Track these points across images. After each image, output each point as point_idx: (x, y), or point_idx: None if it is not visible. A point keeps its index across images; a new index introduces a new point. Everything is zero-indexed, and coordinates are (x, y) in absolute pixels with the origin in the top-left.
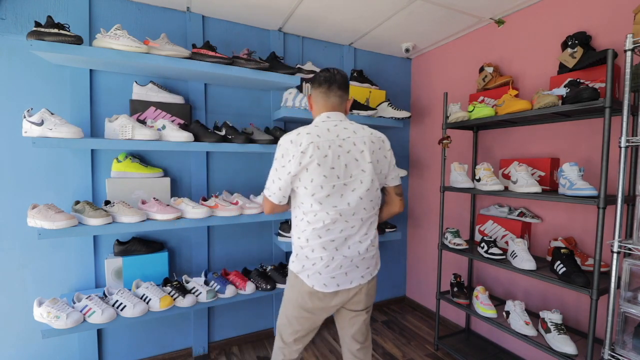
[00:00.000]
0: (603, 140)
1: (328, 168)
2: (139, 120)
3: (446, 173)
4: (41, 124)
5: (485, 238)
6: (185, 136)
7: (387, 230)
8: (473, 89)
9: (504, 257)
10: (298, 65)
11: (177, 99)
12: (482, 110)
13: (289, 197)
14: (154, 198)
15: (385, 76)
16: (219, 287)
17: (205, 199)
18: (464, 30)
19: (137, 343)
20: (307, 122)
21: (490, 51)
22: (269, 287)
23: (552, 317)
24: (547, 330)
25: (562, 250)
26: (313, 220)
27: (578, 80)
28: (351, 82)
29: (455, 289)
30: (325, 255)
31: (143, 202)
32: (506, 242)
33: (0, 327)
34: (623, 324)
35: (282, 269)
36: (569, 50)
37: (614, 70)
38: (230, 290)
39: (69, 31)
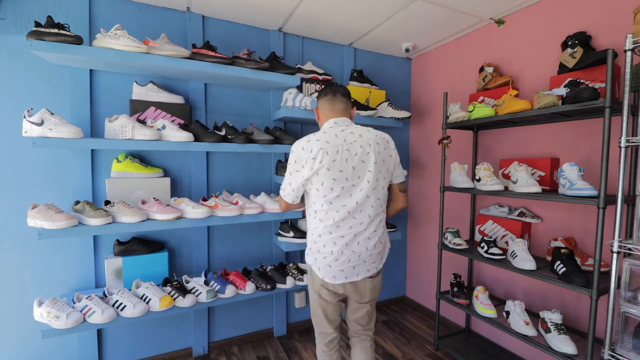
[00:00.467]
0: (603, 140)
1: (337, 171)
2: (139, 120)
3: (446, 173)
4: (41, 124)
5: (485, 238)
6: (185, 136)
7: (387, 230)
8: (473, 89)
9: (504, 257)
10: (298, 65)
11: (177, 99)
12: (482, 110)
13: (302, 197)
14: (154, 198)
15: (385, 76)
16: (219, 287)
17: (205, 199)
18: (464, 30)
19: (137, 343)
20: (307, 122)
21: (490, 51)
22: (269, 287)
23: (552, 317)
24: (547, 330)
25: (562, 250)
26: (324, 218)
27: (578, 80)
28: (351, 82)
29: (455, 289)
30: (336, 249)
31: (143, 202)
32: (506, 242)
33: (0, 327)
34: (623, 324)
35: (282, 269)
36: (569, 50)
37: (614, 70)
38: (230, 290)
39: (69, 31)
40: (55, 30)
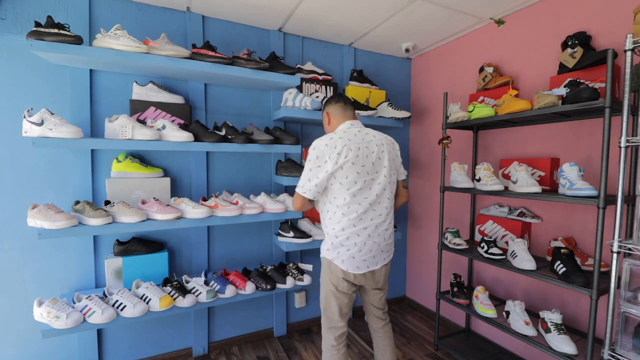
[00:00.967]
0: (603, 140)
1: (360, 166)
2: (139, 120)
3: (446, 173)
4: (41, 124)
5: (485, 238)
6: (185, 136)
7: None
8: (473, 89)
9: (504, 257)
10: (298, 65)
11: (177, 99)
12: (482, 110)
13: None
14: (154, 198)
15: (385, 76)
16: (219, 287)
17: (205, 199)
18: (463, 30)
19: (137, 343)
20: (307, 122)
21: (490, 51)
22: (269, 287)
23: (552, 317)
24: (547, 330)
25: (562, 250)
26: (347, 211)
27: (578, 80)
28: (351, 82)
29: (455, 289)
30: (359, 241)
31: (143, 202)
32: (506, 242)
33: (0, 327)
34: (623, 324)
35: (282, 269)
36: (569, 50)
37: (614, 70)
38: (230, 290)
39: (69, 31)
40: (55, 30)
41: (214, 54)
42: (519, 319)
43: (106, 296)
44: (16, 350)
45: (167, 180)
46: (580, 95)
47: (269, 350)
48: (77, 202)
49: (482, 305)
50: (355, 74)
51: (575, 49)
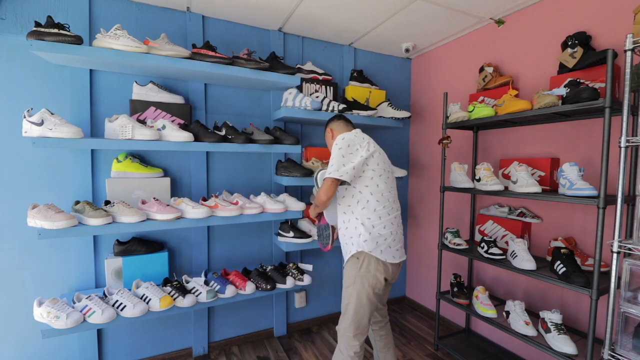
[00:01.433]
0: (603, 140)
1: (383, 158)
2: (139, 120)
3: (446, 173)
4: (41, 124)
5: (485, 238)
6: (185, 136)
7: None
8: (473, 89)
9: (504, 257)
10: (298, 65)
11: (177, 99)
12: (482, 110)
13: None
14: (154, 198)
15: (385, 76)
16: (219, 287)
17: (205, 199)
18: (463, 30)
19: (137, 343)
20: (307, 122)
21: (490, 51)
22: (269, 287)
23: (552, 317)
24: (547, 330)
25: (562, 250)
26: (381, 199)
27: (578, 80)
28: (351, 82)
29: (455, 289)
30: (393, 230)
31: (143, 202)
32: (506, 242)
33: (0, 327)
34: (623, 324)
35: (282, 269)
36: (569, 50)
37: (614, 70)
38: (230, 290)
39: (69, 31)
40: (55, 30)
41: (214, 54)
42: (519, 319)
43: (106, 296)
44: (16, 350)
45: (167, 180)
46: (580, 95)
47: (269, 350)
48: (77, 202)
49: (482, 305)
50: (355, 74)
51: (575, 49)
